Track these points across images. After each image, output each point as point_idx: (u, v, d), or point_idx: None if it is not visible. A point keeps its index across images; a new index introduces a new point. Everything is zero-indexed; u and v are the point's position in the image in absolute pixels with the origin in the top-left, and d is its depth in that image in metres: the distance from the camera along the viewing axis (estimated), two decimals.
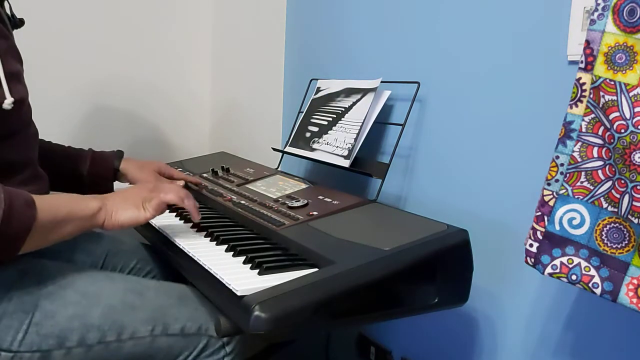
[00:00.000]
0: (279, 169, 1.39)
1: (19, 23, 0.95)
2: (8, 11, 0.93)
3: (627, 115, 0.64)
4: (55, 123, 1.44)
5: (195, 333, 0.86)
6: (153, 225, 1.02)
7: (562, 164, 0.72)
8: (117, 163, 1.18)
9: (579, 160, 0.70)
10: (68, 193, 0.84)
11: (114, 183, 1.21)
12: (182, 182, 1.26)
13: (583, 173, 0.70)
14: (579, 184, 0.70)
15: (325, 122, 1.27)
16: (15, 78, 0.82)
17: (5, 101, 0.78)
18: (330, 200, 1.05)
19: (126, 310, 0.83)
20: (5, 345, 0.74)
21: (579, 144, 0.70)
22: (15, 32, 0.94)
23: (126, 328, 0.81)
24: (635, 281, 0.65)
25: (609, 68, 0.66)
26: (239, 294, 0.70)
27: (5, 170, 0.83)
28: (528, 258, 0.75)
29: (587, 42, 0.68)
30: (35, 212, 0.72)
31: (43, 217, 0.73)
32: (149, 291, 0.87)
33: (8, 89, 0.78)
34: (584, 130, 0.69)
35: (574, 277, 0.71)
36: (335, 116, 1.26)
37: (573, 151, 0.70)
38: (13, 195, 0.70)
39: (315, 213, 0.99)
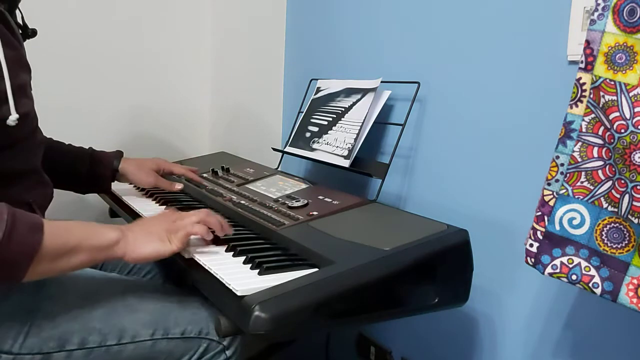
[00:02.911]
0: (279, 169, 1.39)
1: (31, 34, 0.93)
2: (20, 20, 0.91)
3: (627, 115, 0.64)
4: (57, 125, 1.44)
5: (195, 337, 0.86)
6: None
7: (562, 164, 0.72)
8: (116, 163, 1.17)
9: (579, 160, 0.70)
10: (83, 222, 0.79)
11: (114, 183, 1.21)
12: (180, 186, 1.24)
13: (583, 173, 0.70)
14: (579, 184, 0.70)
15: (325, 122, 1.27)
16: (22, 91, 0.80)
17: (10, 117, 0.75)
18: (330, 200, 1.05)
19: (127, 313, 0.83)
20: (7, 348, 0.74)
21: (579, 144, 0.70)
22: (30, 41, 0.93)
23: (127, 331, 0.81)
24: (635, 281, 0.65)
25: (609, 68, 0.66)
26: (239, 294, 0.70)
27: (9, 178, 0.82)
28: (528, 258, 0.75)
29: (587, 42, 0.68)
30: (41, 238, 0.68)
31: (51, 244, 0.69)
32: (150, 294, 0.87)
33: (14, 105, 0.76)
34: (584, 130, 0.69)
35: (574, 277, 0.71)
36: (335, 116, 1.26)
37: (573, 151, 0.70)
38: (18, 218, 0.67)
39: (315, 213, 0.99)
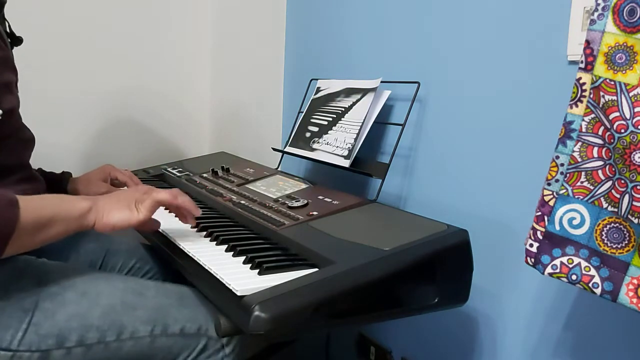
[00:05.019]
0: (279, 169, 1.39)
1: (17, 42, 0.95)
2: (7, 29, 0.93)
3: (627, 115, 0.64)
4: (58, 126, 1.44)
5: (194, 333, 0.86)
6: None
7: (562, 164, 0.72)
8: (64, 186, 1.14)
9: (579, 160, 0.70)
10: (55, 194, 0.82)
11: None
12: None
13: (583, 173, 0.70)
14: (579, 184, 0.70)
15: (325, 122, 1.27)
16: (7, 88, 0.82)
17: None
18: (330, 200, 1.05)
19: (126, 310, 0.83)
20: (5, 344, 0.74)
21: (579, 144, 0.70)
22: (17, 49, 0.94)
23: (126, 328, 0.81)
24: (635, 281, 0.65)
25: (609, 68, 0.66)
26: (239, 294, 0.70)
27: None
28: (528, 258, 0.75)
29: (587, 42, 0.68)
30: (18, 212, 0.69)
31: (27, 218, 0.70)
32: (148, 291, 0.87)
33: None
34: (584, 130, 0.69)
35: (574, 277, 0.71)
36: (335, 116, 1.26)
37: (573, 151, 0.70)
38: None
39: (315, 213, 0.99)
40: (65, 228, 0.77)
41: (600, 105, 0.67)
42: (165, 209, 1.06)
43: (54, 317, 0.78)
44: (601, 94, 0.66)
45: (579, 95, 0.70)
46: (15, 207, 0.69)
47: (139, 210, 0.84)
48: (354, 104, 1.23)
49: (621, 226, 0.66)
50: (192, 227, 0.98)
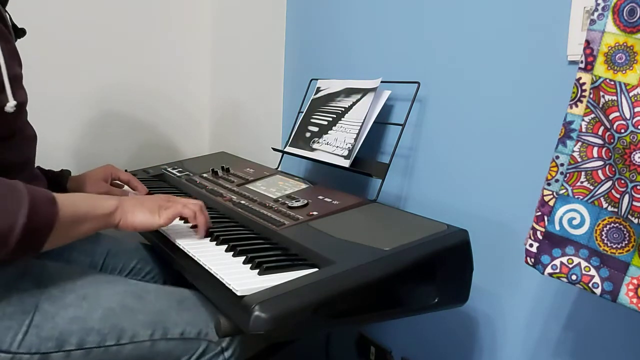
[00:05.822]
0: (279, 169, 1.39)
1: (21, 33, 0.96)
2: (9, 22, 0.93)
3: (627, 115, 0.64)
4: (57, 125, 1.44)
5: (194, 338, 0.86)
6: None
7: (562, 164, 0.72)
8: (63, 183, 1.14)
9: (579, 160, 0.70)
10: (83, 194, 0.86)
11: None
12: (133, 193, 1.21)
13: (583, 173, 0.70)
14: (579, 184, 0.70)
15: (325, 122, 1.27)
16: (17, 81, 0.83)
17: (8, 104, 0.78)
18: (330, 200, 1.05)
19: (126, 314, 0.83)
20: (5, 346, 0.74)
21: (579, 144, 0.70)
22: (19, 40, 0.94)
23: (126, 332, 0.81)
24: (635, 281, 0.65)
25: (609, 68, 0.66)
26: (239, 294, 0.70)
27: (5, 170, 0.83)
28: (528, 258, 0.75)
29: (587, 42, 0.68)
30: (58, 209, 0.72)
31: (65, 215, 0.74)
32: (149, 295, 0.87)
33: (11, 92, 0.79)
34: (584, 130, 0.69)
35: (574, 277, 0.71)
36: (335, 116, 1.26)
37: (573, 151, 0.70)
38: (35, 192, 0.71)
39: (315, 213, 0.99)
40: (95, 225, 0.81)
41: (600, 105, 0.67)
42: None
43: (55, 319, 0.78)
44: (601, 94, 0.66)
45: (579, 95, 0.70)
46: (54, 204, 0.73)
47: (160, 216, 0.88)
48: (354, 104, 1.23)
49: (621, 226, 0.66)
50: (191, 227, 0.98)
